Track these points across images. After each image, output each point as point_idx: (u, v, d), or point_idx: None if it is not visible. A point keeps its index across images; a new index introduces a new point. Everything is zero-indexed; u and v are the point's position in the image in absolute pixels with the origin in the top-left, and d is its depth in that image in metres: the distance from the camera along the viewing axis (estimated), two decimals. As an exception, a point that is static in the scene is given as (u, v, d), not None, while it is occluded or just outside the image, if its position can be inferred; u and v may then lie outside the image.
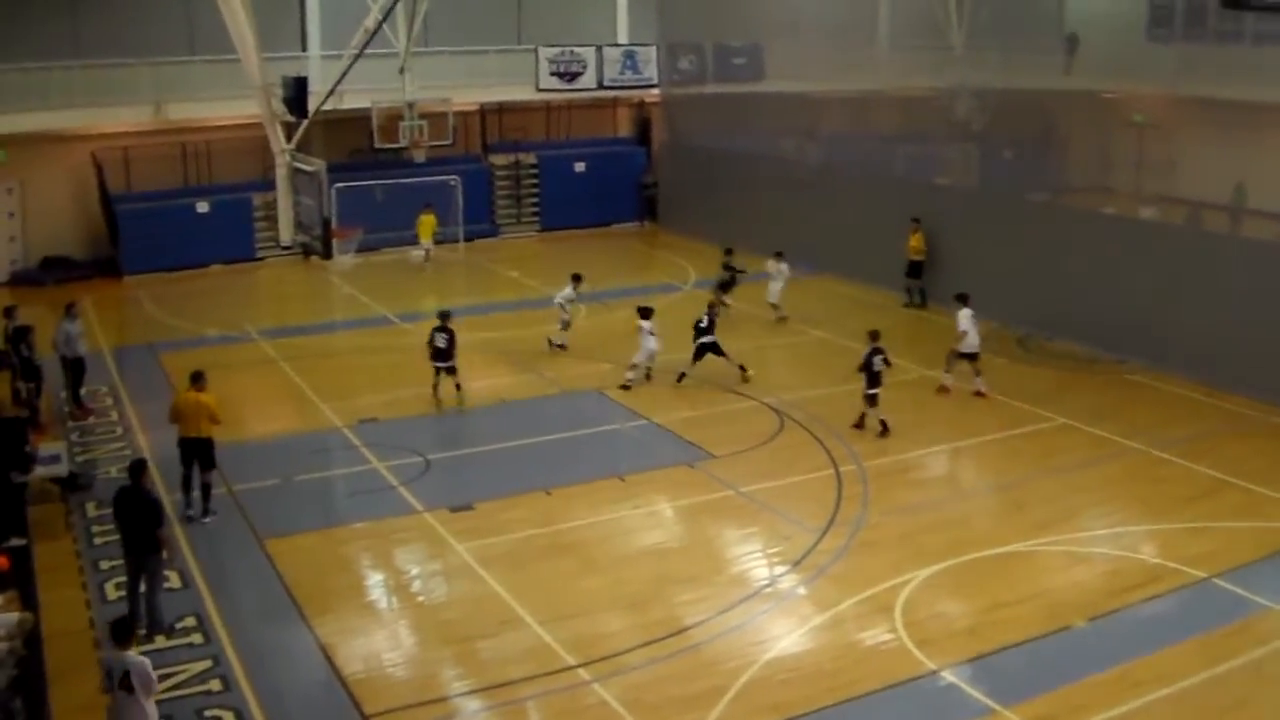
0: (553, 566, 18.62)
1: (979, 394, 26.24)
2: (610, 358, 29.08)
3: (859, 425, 24.46)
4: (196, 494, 20.52)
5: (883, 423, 24.25)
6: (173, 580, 17.96)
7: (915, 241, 34.09)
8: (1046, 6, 40.69)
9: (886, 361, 24.25)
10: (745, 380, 27.33)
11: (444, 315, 26.62)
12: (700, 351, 27.30)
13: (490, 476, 22.25)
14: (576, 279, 30.10)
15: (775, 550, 19.25)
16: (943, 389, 26.78)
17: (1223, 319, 26.58)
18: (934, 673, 15.42)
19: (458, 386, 26.16)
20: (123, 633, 13.48)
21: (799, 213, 38.38)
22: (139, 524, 16.90)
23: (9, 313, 26.97)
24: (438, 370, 26.16)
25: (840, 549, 19.07)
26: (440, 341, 25.93)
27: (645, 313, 27.56)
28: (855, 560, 18.69)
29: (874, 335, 24.57)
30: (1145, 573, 18.19)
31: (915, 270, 34.24)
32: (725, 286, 33.31)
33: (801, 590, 17.85)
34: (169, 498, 20.41)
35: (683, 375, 27.34)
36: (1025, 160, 38.23)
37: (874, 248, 34.50)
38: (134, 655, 13.27)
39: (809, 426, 24.52)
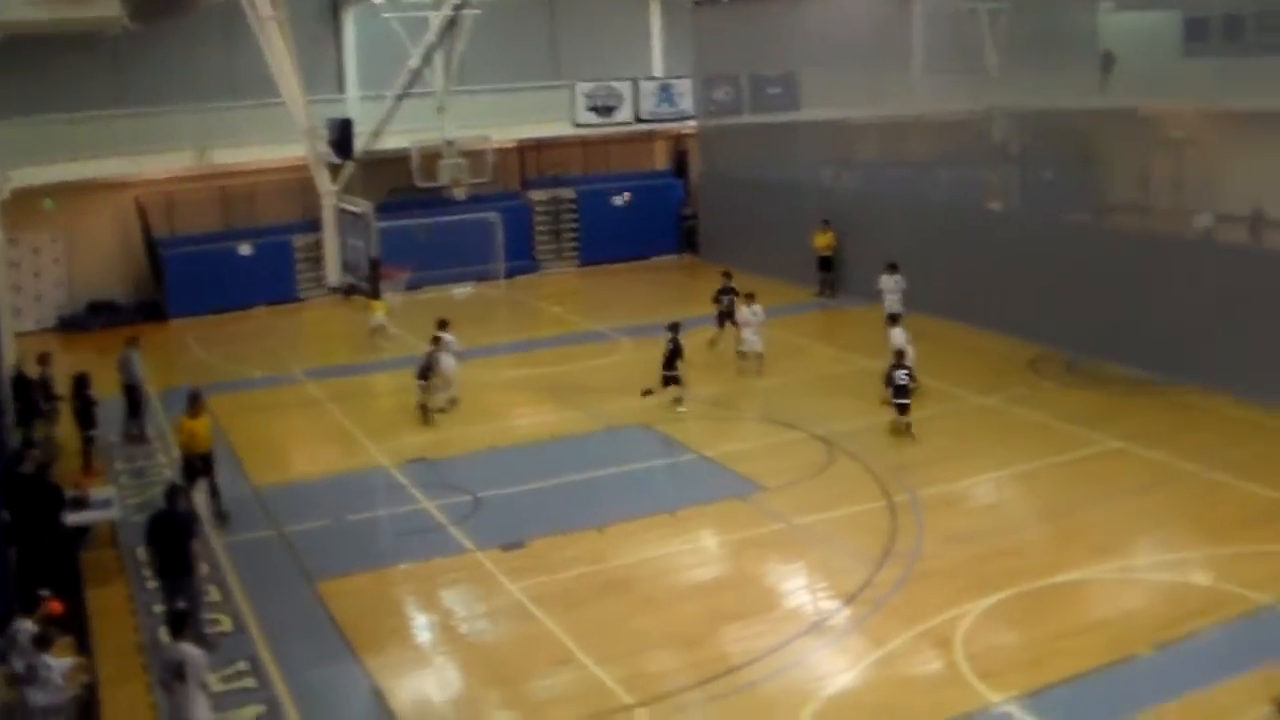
0: (606, 605, 18.48)
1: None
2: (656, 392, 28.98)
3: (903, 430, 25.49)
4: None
5: (907, 425, 25.47)
6: (224, 623, 18.00)
7: (823, 240, 38.23)
8: (1081, 25, 40.39)
9: (910, 376, 25.73)
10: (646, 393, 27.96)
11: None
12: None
13: (541, 514, 22.08)
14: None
15: (830, 584, 19.02)
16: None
17: (1277, 338, 26.23)
18: (998, 705, 15.18)
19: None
20: (178, 625, 14.09)
21: (839, 240, 38.32)
22: (172, 546, 17.06)
23: (44, 359, 27.09)
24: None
25: (897, 581, 18.84)
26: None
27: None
28: (912, 592, 18.45)
29: (899, 354, 26.13)
30: (1208, 599, 17.88)
31: (826, 264, 38.24)
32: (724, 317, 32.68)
33: (859, 624, 17.61)
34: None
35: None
36: (1065, 181, 37.93)
37: (915, 274, 34.21)
38: (189, 647, 13.49)
39: (861, 457, 24.31)
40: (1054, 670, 15.88)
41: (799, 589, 19.21)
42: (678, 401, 27.74)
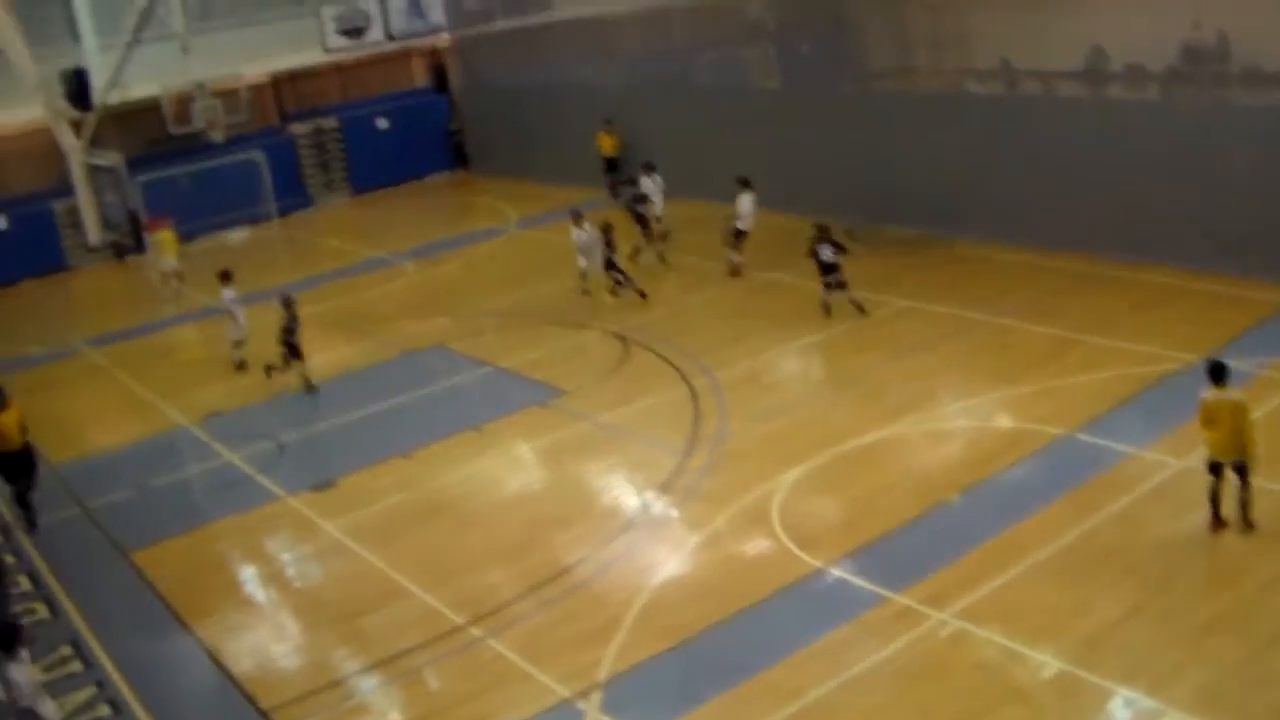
0: (425, 530, 18.46)
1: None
2: (446, 311, 28.82)
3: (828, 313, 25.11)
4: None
5: (855, 303, 24.91)
6: (40, 611, 17.48)
7: (608, 142, 37.83)
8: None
9: (839, 249, 24.80)
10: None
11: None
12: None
13: (347, 450, 21.90)
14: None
15: (643, 476, 19.25)
16: (734, 270, 28.68)
17: (1043, 181, 27.06)
18: (821, 571, 15.62)
19: None
20: (8, 640, 13.47)
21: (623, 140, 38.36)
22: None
23: None
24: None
25: (707, 465, 19.17)
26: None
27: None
28: (723, 474, 18.81)
29: (822, 229, 25.02)
30: (1006, 439, 18.60)
31: (611, 166, 37.65)
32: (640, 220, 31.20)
33: (676, 512, 17.91)
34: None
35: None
36: (825, 53, 38.32)
37: (689, 162, 34.38)
38: (15, 670, 13.12)
39: (656, 348, 24.53)
40: (870, 529, 16.41)
41: (614, 485, 19.40)
42: (613, 293, 27.69)
